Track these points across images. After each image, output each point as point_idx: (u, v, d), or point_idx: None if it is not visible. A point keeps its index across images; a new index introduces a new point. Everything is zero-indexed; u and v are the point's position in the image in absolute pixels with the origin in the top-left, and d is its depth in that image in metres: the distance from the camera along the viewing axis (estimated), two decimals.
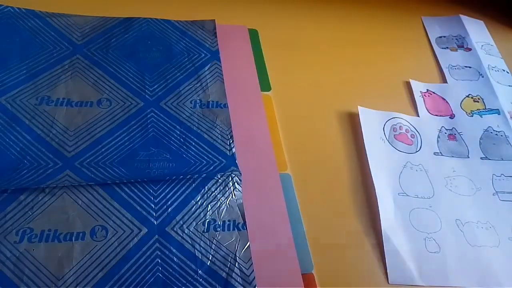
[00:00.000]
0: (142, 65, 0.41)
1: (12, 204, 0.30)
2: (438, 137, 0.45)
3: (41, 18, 0.42)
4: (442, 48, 0.55)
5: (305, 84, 0.46)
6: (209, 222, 0.33)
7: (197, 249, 0.31)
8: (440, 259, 0.36)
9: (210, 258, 0.31)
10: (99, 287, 0.28)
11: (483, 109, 0.48)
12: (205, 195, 0.34)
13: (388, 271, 0.34)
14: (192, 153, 0.36)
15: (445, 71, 0.52)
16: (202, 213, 0.33)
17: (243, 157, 0.37)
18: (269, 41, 0.48)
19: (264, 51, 0.47)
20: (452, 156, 0.43)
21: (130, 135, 0.36)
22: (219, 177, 0.35)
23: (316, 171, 0.39)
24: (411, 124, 0.45)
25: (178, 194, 0.33)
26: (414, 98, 0.48)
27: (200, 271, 0.30)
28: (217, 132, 0.38)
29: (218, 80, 0.42)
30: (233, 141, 0.38)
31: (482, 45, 0.55)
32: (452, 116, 0.47)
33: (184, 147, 0.37)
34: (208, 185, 0.34)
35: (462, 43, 0.55)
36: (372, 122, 0.43)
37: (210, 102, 0.40)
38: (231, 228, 0.33)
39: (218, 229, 0.32)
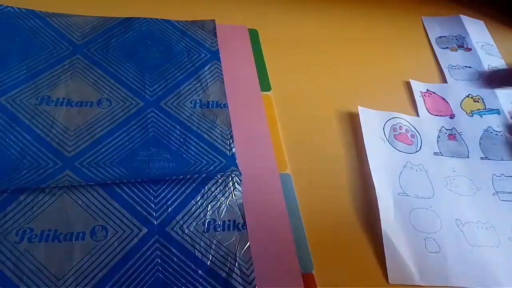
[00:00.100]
0: (142, 65, 0.41)
1: (12, 204, 0.30)
2: (438, 137, 0.45)
3: (41, 18, 0.42)
4: (442, 48, 0.55)
5: (305, 84, 0.46)
6: (209, 222, 0.33)
7: (197, 249, 0.31)
8: (440, 259, 0.36)
9: (210, 258, 0.31)
10: (99, 287, 0.28)
11: (483, 109, 0.48)
12: (205, 195, 0.34)
13: (388, 271, 0.34)
14: (192, 153, 0.36)
15: (445, 71, 0.52)
16: (202, 213, 0.33)
17: (243, 157, 0.37)
18: (269, 41, 0.48)
19: (264, 51, 0.47)
20: (452, 156, 0.43)
21: (130, 135, 0.36)
22: (219, 177, 0.35)
23: (316, 171, 0.39)
24: (411, 124, 0.45)
25: (178, 194, 0.33)
26: (414, 98, 0.48)
27: (200, 271, 0.30)
28: (217, 132, 0.38)
29: (218, 80, 0.42)
30: (233, 141, 0.38)
31: (482, 45, 0.55)
32: (452, 116, 0.47)
33: (184, 147, 0.37)
34: (208, 185, 0.34)
35: (462, 43, 0.55)
36: (372, 122, 0.43)
37: (210, 102, 0.40)
38: (231, 228, 0.33)
39: (218, 229, 0.32)
